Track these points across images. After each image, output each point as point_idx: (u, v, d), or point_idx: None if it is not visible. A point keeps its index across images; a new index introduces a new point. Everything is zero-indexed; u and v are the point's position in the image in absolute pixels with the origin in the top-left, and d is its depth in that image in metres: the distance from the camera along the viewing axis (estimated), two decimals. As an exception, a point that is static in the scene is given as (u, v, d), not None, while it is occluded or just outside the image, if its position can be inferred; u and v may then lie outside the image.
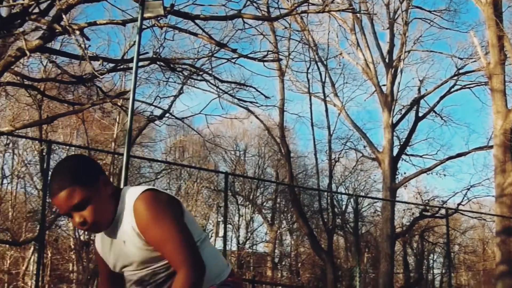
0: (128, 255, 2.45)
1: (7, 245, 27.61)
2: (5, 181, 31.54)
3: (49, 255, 27.97)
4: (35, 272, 26.47)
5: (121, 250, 2.44)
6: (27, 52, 8.80)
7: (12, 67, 10.96)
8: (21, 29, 9.12)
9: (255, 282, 27.56)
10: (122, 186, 13.10)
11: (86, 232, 30.18)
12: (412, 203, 31.82)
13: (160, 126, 39.08)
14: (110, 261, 2.51)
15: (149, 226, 2.35)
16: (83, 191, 2.34)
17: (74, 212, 2.34)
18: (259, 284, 44.38)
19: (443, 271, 57.60)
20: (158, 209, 2.34)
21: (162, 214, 2.33)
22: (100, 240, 2.55)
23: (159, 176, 33.57)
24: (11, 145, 30.78)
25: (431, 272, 60.59)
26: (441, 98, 29.26)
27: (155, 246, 2.38)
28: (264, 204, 51.31)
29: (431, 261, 60.11)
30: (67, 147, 28.65)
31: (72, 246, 29.47)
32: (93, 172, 2.43)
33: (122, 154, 14.13)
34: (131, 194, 2.39)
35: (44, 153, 23.89)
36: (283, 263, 54.57)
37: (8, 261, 29.22)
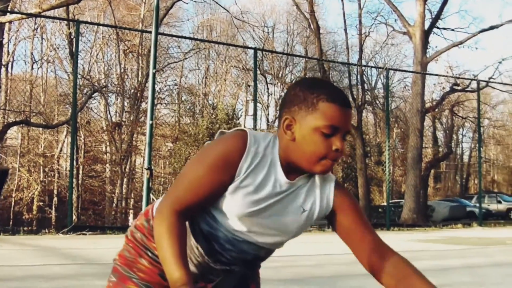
0: (297, 225, 1.96)
1: (41, 129, 28.09)
2: (35, 66, 31.74)
3: (82, 137, 28.42)
4: (69, 154, 27.17)
5: (297, 218, 1.94)
6: None
7: None
8: None
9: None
10: (151, 67, 13.04)
11: (117, 114, 30.59)
12: (443, 75, 31.47)
13: (187, 4, 38.59)
14: (260, 211, 1.85)
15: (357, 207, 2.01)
16: None
17: (340, 136, 1.83)
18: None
19: (472, 145, 58.01)
20: None
21: None
22: (261, 175, 1.84)
23: (187, 56, 33.43)
24: (39, 30, 30.74)
25: (460, 146, 61.10)
26: (475, -32, 28.21)
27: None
28: (293, 81, 51.18)
29: (460, 136, 60.46)
30: (95, 29, 28.59)
31: (104, 128, 29.89)
32: None
33: (150, 32, 14.07)
34: None
35: (72, 37, 23.80)
36: (313, 140, 55.08)
37: (43, 145, 29.84)
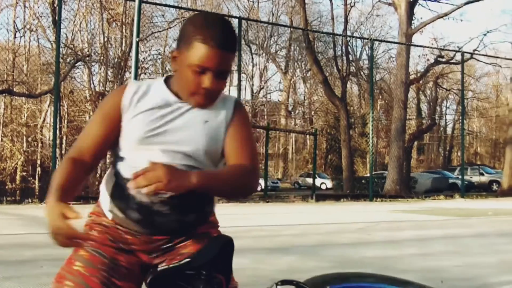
0: (205, 137, 2.04)
1: (24, 98, 27.87)
2: (17, 34, 31.39)
3: (65, 107, 28.24)
4: (52, 124, 27.06)
5: (203, 130, 2.03)
6: None
7: None
8: None
9: (269, 129, 27.93)
10: (134, 35, 12.92)
11: (101, 83, 30.46)
12: (428, 47, 31.50)
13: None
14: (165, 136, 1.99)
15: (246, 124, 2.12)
16: (232, 61, 2.02)
17: (214, 76, 1.92)
18: (273, 131, 45.13)
19: (456, 117, 58.29)
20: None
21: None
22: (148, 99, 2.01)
23: (171, 25, 33.16)
24: (21, -3, 30.35)
25: (444, 118, 61.39)
26: None
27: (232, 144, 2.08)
28: (278, 52, 50.99)
29: (444, 108, 60.74)
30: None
31: (88, 97, 29.72)
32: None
33: (134, 0, 13.92)
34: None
35: (55, 5, 23.53)
36: (297, 111, 55.20)
37: (26, 114, 29.62)
